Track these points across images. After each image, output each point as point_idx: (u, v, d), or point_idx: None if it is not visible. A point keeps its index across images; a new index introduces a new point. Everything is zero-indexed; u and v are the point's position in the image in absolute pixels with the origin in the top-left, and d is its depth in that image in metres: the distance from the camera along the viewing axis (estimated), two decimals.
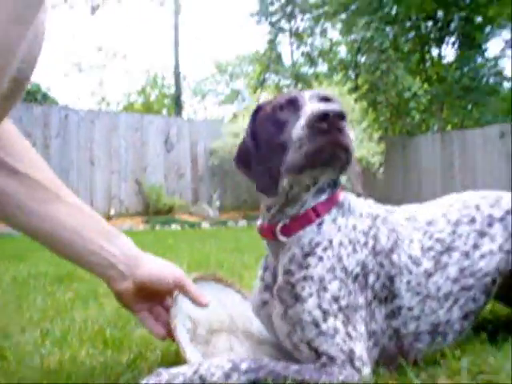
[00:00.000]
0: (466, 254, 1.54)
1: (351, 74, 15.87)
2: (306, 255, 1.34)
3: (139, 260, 1.35)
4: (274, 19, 17.16)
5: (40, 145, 10.79)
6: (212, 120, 15.01)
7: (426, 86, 15.80)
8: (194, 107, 27.38)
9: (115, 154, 11.83)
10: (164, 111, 24.32)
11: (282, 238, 1.38)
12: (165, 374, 1.19)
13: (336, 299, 1.29)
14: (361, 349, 1.29)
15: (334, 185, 1.44)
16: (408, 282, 1.43)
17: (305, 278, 1.31)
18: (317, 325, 1.27)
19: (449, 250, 1.53)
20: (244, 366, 1.21)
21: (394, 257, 1.43)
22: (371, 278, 1.38)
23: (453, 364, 1.41)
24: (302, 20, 17.71)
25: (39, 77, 16.29)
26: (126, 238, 1.37)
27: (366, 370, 1.28)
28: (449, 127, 17.19)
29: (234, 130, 12.17)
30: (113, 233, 1.34)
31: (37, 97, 11.84)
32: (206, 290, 1.58)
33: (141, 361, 1.47)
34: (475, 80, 15.61)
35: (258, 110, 1.44)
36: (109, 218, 11.40)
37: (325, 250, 1.34)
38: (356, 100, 12.83)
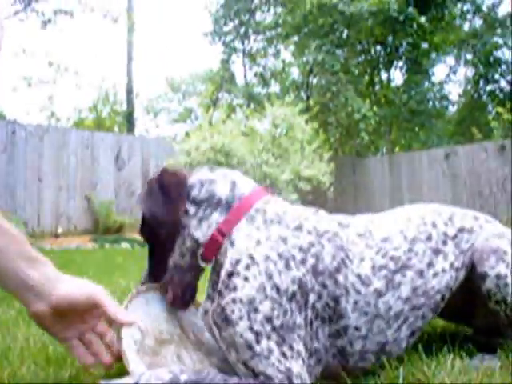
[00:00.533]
0: (421, 273, 1.52)
1: (303, 95, 16.16)
2: (230, 275, 1.32)
3: (57, 282, 1.30)
4: (227, 39, 17.33)
5: None
6: (164, 138, 14.94)
7: (375, 108, 16.24)
8: (146, 125, 27.22)
9: (64, 171, 11.59)
10: (116, 128, 24.05)
11: (203, 264, 1.42)
12: None
13: (268, 320, 1.27)
14: (298, 367, 1.26)
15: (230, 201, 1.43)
16: (355, 302, 1.41)
17: (234, 301, 1.28)
18: (250, 347, 1.25)
19: (403, 268, 1.50)
20: (183, 378, 1.21)
21: (340, 277, 1.40)
22: (311, 298, 1.35)
23: (390, 373, 1.46)
24: (255, 41, 17.98)
25: None
26: (46, 261, 1.33)
27: None
28: (397, 149, 17.66)
29: (186, 148, 12.14)
30: (33, 255, 1.30)
31: None
32: (154, 301, 1.57)
33: (84, 376, 1.45)
34: (422, 103, 16.17)
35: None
36: (56, 235, 11.13)
37: (247, 267, 1.31)
38: (307, 121, 13.02)
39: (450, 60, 17.73)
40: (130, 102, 19.99)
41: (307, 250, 1.38)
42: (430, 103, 16.74)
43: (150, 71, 44.13)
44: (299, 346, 1.29)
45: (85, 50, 41.51)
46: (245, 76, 18.34)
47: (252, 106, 16.18)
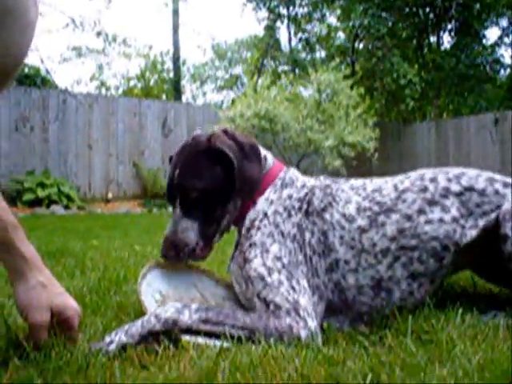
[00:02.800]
0: (408, 217, 1.68)
1: (348, 60, 15.94)
2: (248, 229, 1.64)
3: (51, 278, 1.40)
4: (272, 5, 17.17)
5: (38, 129, 10.90)
6: (209, 105, 15.08)
7: (422, 73, 15.86)
8: (193, 92, 27.42)
9: (113, 138, 11.94)
10: (163, 96, 24.37)
11: (233, 227, 1.75)
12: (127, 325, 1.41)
13: (278, 258, 1.55)
14: (305, 301, 1.50)
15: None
16: (341, 237, 1.65)
17: (250, 245, 1.60)
18: (262, 278, 1.51)
19: (388, 211, 1.69)
20: (194, 306, 1.45)
21: (327, 215, 1.66)
22: (307, 236, 1.63)
23: (400, 325, 1.57)
24: (300, 6, 17.73)
25: (38, 61, 16.34)
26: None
27: (312, 323, 1.47)
28: (445, 115, 17.26)
29: (231, 115, 12.26)
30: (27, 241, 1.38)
31: (36, 80, 11.89)
32: (173, 274, 1.73)
33: (116, 323, 1.61)
34: (472, 67, 15.68)
35: None
36: (107, 200, 11.56)
37: (261, 221, 1.63)
38: (352, 86, 12.89)
39: (503, 22, 17.02)
40: (176, 70, 20.16)
41: (303, 199, 1.69)
42: (481, 67, 16.20)
43: (196, 39, 44.15)
44: (304, 282, 1.55)
45: (132, 19, 41.87)
46: (290, 42, 18.19)
47: (297, 72, 16.10)
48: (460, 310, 1.59)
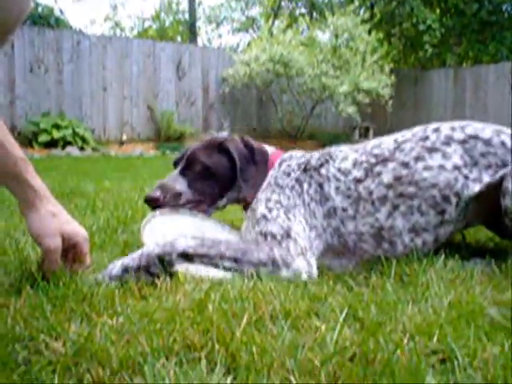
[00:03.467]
0: (405, 164, 1.72)
1: (368, 3, 15.55)
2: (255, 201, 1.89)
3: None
4: None
5: (53, 70, 10.92)
6: (224, 48, 14.93)
7: (443, 18, 15.45)
8: (208, 34, 27.01)
9: (127, 81, 11.94)
10: (178, 38, 24.06)
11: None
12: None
13: (278, 202, 1.75)
14: (299, 228, 1.67)
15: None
16: (337, 188, 1.76)
17: (256, 201, 1.85)
18: (264, 216, 1.72)
19: (384, 161, 1.76)
20: (190, 235, 1.61)
21: (323, 170, 1.80)
22: (305, 186, 1.79)
23: (385, 268, 1.67)
24: None
25: (52, 0, 16.17)
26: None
27: (306, 249, 1.63)
28: (465, 64, 16.91)
29: (246, 58, 12.17)
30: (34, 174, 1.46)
31: (49, 20, 11.82)
32: (179, 219, 1.82)
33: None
34: (494, 13, 15.24)
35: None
36: (121, 143, 11.68)
37: (265, 188, 1.86)
38: (370, 30, 12.66)
39: None
40: (192, 11, 19.83)
41: (302, 162, 1.87)
42: (504, 14, 15.72)
43: None
44: (301, 218, 1.72)
45: None
46: None
47: (314, 15, 15.79)
48: (442, 256, 1.69)
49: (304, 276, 1.55)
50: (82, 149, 10.31)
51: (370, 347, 1.01)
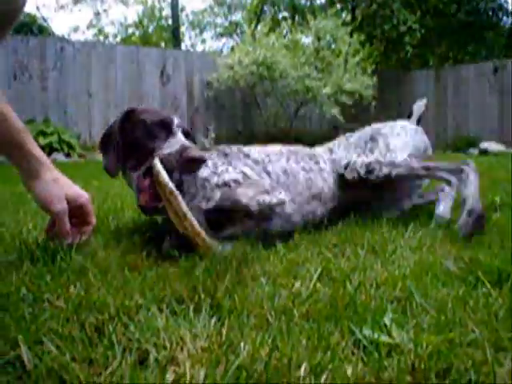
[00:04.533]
0: None
1: (349, 6, 15.77)
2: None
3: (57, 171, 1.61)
4: None
5: (37, 77, 10.96)
6: (208, 52, 15.05)
7: (424, 20, 15.70)
8: (192, 40, 27.13)
9: (112, 86, 12.01)
10: (162, 44, 24.14)
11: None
12: None
13: None
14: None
15: None
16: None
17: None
18: None
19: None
20: None
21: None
22: None
23: (359, 240, 1.80)
24: None
25: (34, 8, 16.24)
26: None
27: None
28: (446, 63, 17.17)
29: (229, 62, 12.29)
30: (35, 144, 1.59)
31: (32, 28, 11.89)
32: None
33: (114, 242, 1.85)
34: (473, 14, 15.52)
35: (131, 112, 1.87)
36: None
37: None
38: (352, 32, 12.84)
39: None
40: (175, 17, 19.94)
41: None
42: (483, 14, 16.00)
43: None
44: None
45: None
46: None
47: (296, 18, 15.96)
48: (411, 226, 1.84)
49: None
50: (68, 155, 10.35)
51: (339, 294, 1.14)
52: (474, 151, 11.39)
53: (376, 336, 0.91)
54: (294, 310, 1.04)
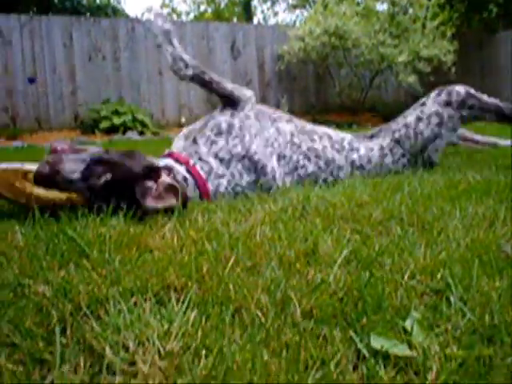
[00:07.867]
0: None
1: None
2: None
3: None
4: None
5: (110, 58, 11.14)
6: (279, 25, 14.74)
7: None
8: (264, 13, 26.78)
9: None
10: (234, 19, 23.98)
11: None
12: None
13: None
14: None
15: None
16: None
17: None
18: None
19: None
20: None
21: None
22: None
23: (408, 217, 1.57)
24: None
25: None
26: None
27: None
28: None
29: (300, 33, 11.96)
30: None
31: (106, 11, 12.06)
32: None
33: None
34: None
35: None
36: (180, 125, 11.79)
37: None
38: None
39: None
40: None
41: None
42: None
43: None
44: None
45: None
46: None
47: None
48: (462, 203, 1.57)
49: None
50: (141, 133, 10.49)
51: (361, 284, 0.93)
52: None
53: (387, 345, 0.69)
54: (296, 305, 0.84)
